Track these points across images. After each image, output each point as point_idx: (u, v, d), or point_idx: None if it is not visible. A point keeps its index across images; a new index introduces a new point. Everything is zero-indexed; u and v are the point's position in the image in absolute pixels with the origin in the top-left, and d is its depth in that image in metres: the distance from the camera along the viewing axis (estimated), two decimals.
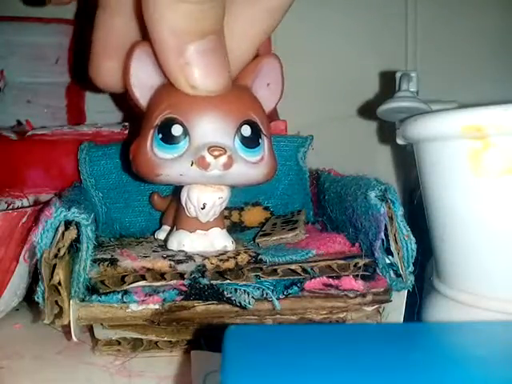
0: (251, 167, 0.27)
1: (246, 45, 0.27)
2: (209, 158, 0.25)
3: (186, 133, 0.26)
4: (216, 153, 0.25)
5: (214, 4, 0.24)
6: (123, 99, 0.45)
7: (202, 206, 0.27)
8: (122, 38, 0.27)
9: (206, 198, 0.27)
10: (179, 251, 0.28)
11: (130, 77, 0.27)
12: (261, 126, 0.27)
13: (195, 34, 0.24)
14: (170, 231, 0.31)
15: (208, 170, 0.25)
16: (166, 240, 0.30)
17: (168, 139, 0.26)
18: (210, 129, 0.26)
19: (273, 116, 0.42)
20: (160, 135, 0.26)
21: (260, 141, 0.27)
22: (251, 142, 0.27)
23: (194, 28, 0.24)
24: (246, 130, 0.26)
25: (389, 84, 0.44)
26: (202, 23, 0.24)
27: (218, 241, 0.29)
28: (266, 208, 0.37)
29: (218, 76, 0.25)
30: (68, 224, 0.24)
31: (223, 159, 0.25)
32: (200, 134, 0.26)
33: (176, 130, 0.26)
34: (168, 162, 0.26)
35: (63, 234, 0.23)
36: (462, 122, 0.24)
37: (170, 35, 0.24)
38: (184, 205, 0.28)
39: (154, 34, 0.24)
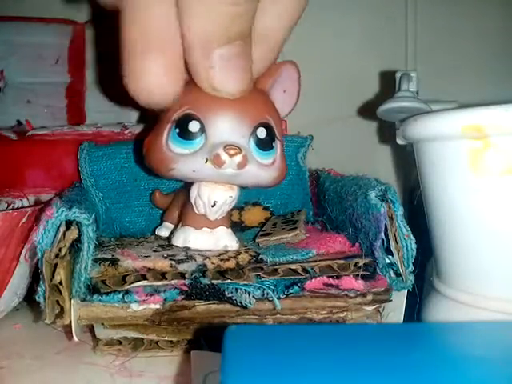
0: (263, 169, 0.27)
1: (271, 44, 0.26)
2: (224, 157, 0.25)
3: (202, 130, 0.26)
4: (232, 152, 0.25)
5: (248, 8, 0.23)
6: (123, 99, 0.45)
7: (212, 204, 0.27)
8: (166, 29, 0.24)
9: (216, 196, 0.27)
10: (180, 250, 0.28)
11: None
12: (275, 130, 0.27)
13: (223, 39, 0.23)
14: (175, 228, 0.31)
15: (222, 168, 0.25)
16: (169, 237, 0.31)
17: (184, 134, 0.26)
18: (227, 128, 0.26)
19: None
20: (177, 130, 0.26)
21: (274, 144, 0.27)
22: (265, 145, 0.27)
23: (225, 32, 0.23)
24: (262, 133, 0.27)
25: (389, 84, 0.44)
26: (234, 27, 0.23)
27: (223, 239, 0.29)
28: (266, 208, 0.37)
29: (240, 81, 0.25)
30: (69, 224, 0.24)
31: (238, 158, 0.25)
32: (217, 132, 0.26)
33: (193, 126, 0.26)
34: (182, 157, 0.26)
35: (64, 233, 0.23)
36: (462, 121, 0.24)
37: (199, 36, 0.23)
38: (193, 202, 0.28)
39: (185, 31, 0.23)
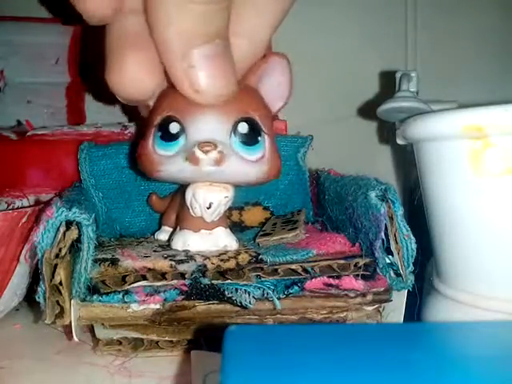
0: (249, 165, 0.27)
1: (253, 41, 0.26)
2: (198, 154, 0.25)
3: (182, 130, 0.26)
4: (206, 148, 0.25)
5: (221, 6, 0.23)
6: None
7: (207, 206, 0.27)
8: (142, 31, 0.24)
9: (212, 198, 0.27)
10: (181, 251, 0.28)
11: None
12: (261, 124, 0.27)
13: (201, 38, 0.23)
14: (173, 231, 0.31)
15: (200, 166, 0.25)
16: (169, 240, 0.30)
17: (166, 137, 0.26)
18: (206, 126, 0.26)
19: (273, 116, 0.42)
20: (159, 133, 0.27)
21: (260, 138, 0.27)
22: (249, 140, 0.27)
23: (201, 31, 0.23)
24: (243, 128, 0.26)
25: (389, 84, 0.44)
26: (209, 26, 0.23)
27: (222, 240, 0.29)
28: (266, 208, 0.37)
29: (224, 82, 0.25)
30: (69, 224, 0.24)
31: (213, 155, 0.25)
32: (196, 132, 0.26)
33: (173, 127, 0.26)
34: (167, 159, 0.26)
35: (64, 233, 0.23)
36: (462, 121, 0.24)
37: (175, 37, 0.23)
38: (189, 205, 0.28)
39: (159, 35, 0.23)
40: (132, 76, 0.24)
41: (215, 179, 0.27)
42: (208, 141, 0.25)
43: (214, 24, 0.23)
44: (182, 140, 0.26)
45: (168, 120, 0.26)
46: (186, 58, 0.24)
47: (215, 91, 0.25)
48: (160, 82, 0.26)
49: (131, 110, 0.45)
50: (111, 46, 0.25)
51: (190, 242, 0.28)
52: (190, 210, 0.28)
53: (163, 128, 0.27)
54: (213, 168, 0.26)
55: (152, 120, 0.27)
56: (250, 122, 0.27)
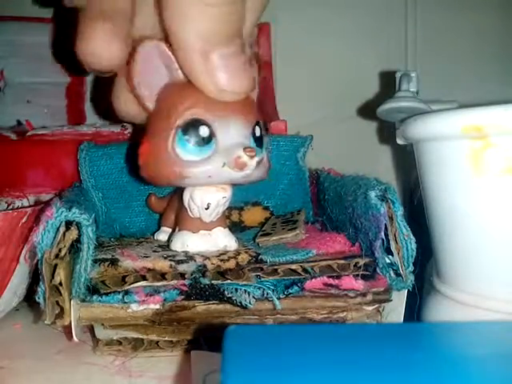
0: (259, 165, 0.27)
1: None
2: (245, 158, 0.25)
3: (212, 134, 0.26)
4: (252, 153, 0.25)
5: (237, 6, 0.24)
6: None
7: (206, 207, 0.27)
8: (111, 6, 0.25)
9: (210, 198, 0.27)
10: (181, 251, 0.28)
11: (135, 75, 0.26)
12: (263, 127, 0.28)
13: (221, 39, 0.24)
14: (172, 232, 0.31)
15: (244, 170, 0.26)
16: (168, 241, 0.30)
17: (195, 141, 0.25)
18: (234, 130, 0.26)
19: (273, 116, 0.42)
20: (186, 136, 0.25)
21: (264, 141, 0.28)
22: (260, 142, 0.27)
23: (220, 32, 0.24)
24: (258, 131, 0.27)
25: (389, 84, 0.44)
26: (228, 27, 0.24)
27: (221, 240, 0.29)
28: (266, 208, 0.37)
29: (245, 79, 0.25)
30: (69, 224, 0.24)
31: (256, 159, 0.26)
32: (226, 136, 0.26)
33: (204, 131, 0.25)
34: (195, 164, 0.26)
35: (64, 234, 0.23)
36: (462, 121, 0.24)
37: (196, 39, 0.23)
38: (187, 206, 0.28)
39: (178, 38, 0.24)
40: (103, 47, 0.25)
41: (238, 182, 0.27)
42: (248, 146, 0.26)
43: (232, 24, 0.24)
44: (211, 144, 0.26)
45: (196, 123, 0.25)
46: (207, 59, 0.24)
47: (239, 89, 0.25)
48: (125, 56, 0.26)
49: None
50: (84, 17, 0.25)
51: (189, 242, 0.28)
52: (188, 211, 0.28)
53: (191, 131, 0.25)
54: (249, 172, 0.26)
55: (169, 121, 0.26)
56: (260, 125, 0.27)
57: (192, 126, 0.25)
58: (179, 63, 0.25)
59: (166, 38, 0.25)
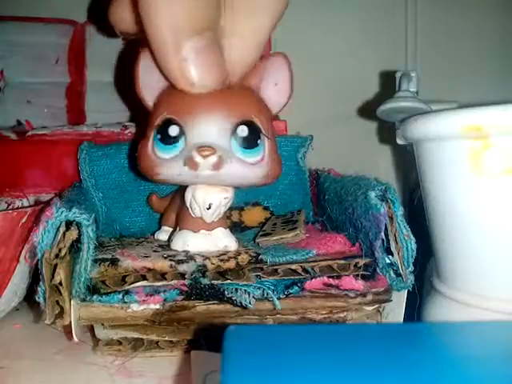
0: (249, 168, 0.27)
1: (252, 42, 0.26)
2: (197, 158, 0.25)
3: (182, 133, 0.26)
4: (206, 153, 0.25)
5: None
6: (123, 99, 0.45)
7: (207, 207, 0.27)
8: None
9: (211, 199, 0.27)
10: (181, 251, 0.28)
11: (138, 79, 0.27)
12: (261, 127, 0.27)
13: (192, 30, 0.24)
14: (173, 232, 0.31)
15: (198, 171, 0.25)
16: (168, 241, 0.30)
17: (166, 139, 0.26)
18: (206, 129, 0.26)
19: (273, 116, 0.42)
20: (159, 135, 0.26)
21: (259, 141, 0.27)
22: (249, 143, 0.27)
23: (191, 24, 0.24)
24: (243, 131, 0.26)
25: (389, 84, 0.44)
26: (198, 19, 0.24)
27: (221, 240, 0.29)
28: (266, 208, 0.37)
29: (215, 72, 0.25)
30: (69, 224, 0.24)
31: (213, 159, 0.25)
32: (195, 135, 0.26)
33: (173, 130, 0.26)
34: (166, 162, 0.26)
35: (64, 234, 0.23)
36: (462, 121, 0.24)
37: (166, 32, 0.24)
38: (189, 205, 0.28)
39: (151, 32, 0.24)
40: (126, 8, 0.27)
41: (214, 183, 0.27)
42: (207, 145, 0.25)
43: (203, 16, 0.24)
44: (181, 143, 0.26)
45: (168, 122, 0.26)
46: (178, 52, 0.24)
47: (209, 82, 0.25)
48: None
49: (131, 110, 0.45)
50: None
51: (190, 242, 0.28)
52: (190, 211, 0.28)
53: (162, 130, 0.26)
54: (211, 172, 0.26)
55: (152, 121, 0.27)
56: (250, 125, 0.27)
57: (164, 125, 0.26)
58: (155, 58, 0.25)
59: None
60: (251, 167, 0.27)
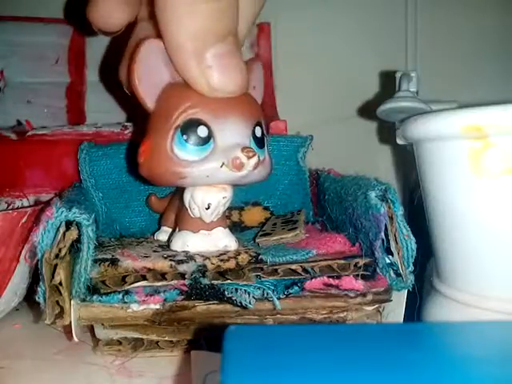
0: (259, 167, 0.27)
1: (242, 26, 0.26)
2: (244, 159, 0.25)
3: (210, 134, 0.26)
4: (250, 154, 0.25)
5: (229, 2, 0.24)
6: (123, 99, 0.45)
7: (206, 207, 0.27)
8: None
9: (210, 198, 0.27)
10: (181, 251, 0.28)
11: (135, 75, 0.26)
12: (264, 127, 0.28)
13: (214, 37, 0.24)
14: (172, 232, 0.31)
15: (241, 171, 0.26)
16: (168, 241, 0.30)
17: (194, 140, 0.25)
18: (234, 130, 0.26)
19: (273, 116, 0.42)
20: (184, 136, 0.25)
21: (265, 141, 0.28)
22: (261, 143, 0.27)
23: (213, 30, 0.24)
24: (258, 131, 0.27)
25: (389, 84, 0.44)
26: (220, 24, 0.24)
27: (221, 240, 0.29)
28: (266, 208, 0.37)
29: (238, 77, 0.25)
30: (69, 224, 0.24)
31: (255, 160, 0.26)
32: (225, 136, 0.26)
33: (202, 131, 0.25)
34: (193, 164, 0.26)
35: (64, 234, 0.23)
36: (462, 121, 0.24)
37: (188, 39, 0.23)
38: (187, 206, 0.28)
39: (171, 37, 0.24)
40: (104, 8, 0.27)
41: (237, 183, 0.27)
42: (247, 146, 0.26)
43: (225, 22, 0.24)
44: (210, 144, 0.26)
45: (195, 123, 0.25)
46: (201, 59, 0.24)
47: (233, 88, 0.25)
48: (131, 18, 0.28)
49: (132, 109, 0.45)
50: None
51: (190, 242, 0.28)
52: (189, 211, 0.28)
53: (189, 131, 0.25)
54: (247, 173, 0.26)
55: (168, 121, 0.26)
56: (261, 126, 0.27)
57: (191, 125, 0.25)
58: (173, 63, 0.25)
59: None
60: (260, 166, 0.27)
